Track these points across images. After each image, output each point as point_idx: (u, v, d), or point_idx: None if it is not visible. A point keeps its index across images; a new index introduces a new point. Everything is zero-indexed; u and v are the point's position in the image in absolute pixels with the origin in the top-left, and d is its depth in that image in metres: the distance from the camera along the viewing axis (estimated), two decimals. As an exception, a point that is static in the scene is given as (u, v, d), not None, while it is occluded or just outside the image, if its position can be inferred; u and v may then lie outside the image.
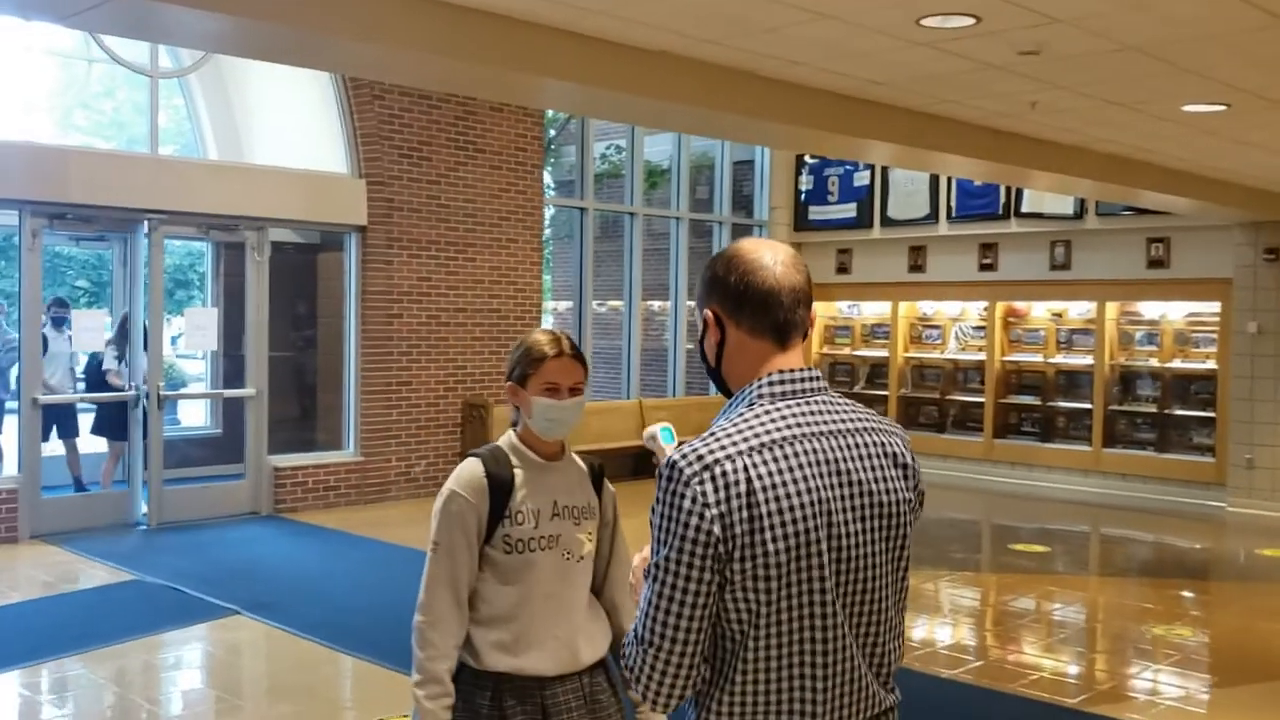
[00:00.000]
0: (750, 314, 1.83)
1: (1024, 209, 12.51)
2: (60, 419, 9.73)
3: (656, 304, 14.74)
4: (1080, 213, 12.06)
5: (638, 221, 13.36)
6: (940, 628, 7.38)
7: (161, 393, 9.45)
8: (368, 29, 5.53)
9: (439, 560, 2.57)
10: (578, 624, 2.60)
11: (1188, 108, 6.26)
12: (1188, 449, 11.90)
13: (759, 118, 6.59)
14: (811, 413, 1.80)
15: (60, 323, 9.76)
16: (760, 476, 1.70)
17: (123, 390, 9.57)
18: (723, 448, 1.72)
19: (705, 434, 1.76)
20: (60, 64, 15.98)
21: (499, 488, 2.56)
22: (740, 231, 14.58)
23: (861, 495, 1.79)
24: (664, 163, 14.44)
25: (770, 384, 1.81)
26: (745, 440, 1.73)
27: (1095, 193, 10.22)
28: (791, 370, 1.82)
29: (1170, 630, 7.01)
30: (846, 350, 14.68)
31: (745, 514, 1.68)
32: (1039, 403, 12.97)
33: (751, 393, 1.82)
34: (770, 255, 1.85)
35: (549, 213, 14.00)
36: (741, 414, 1.78)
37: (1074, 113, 6.55)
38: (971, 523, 11.29)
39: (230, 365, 10.95)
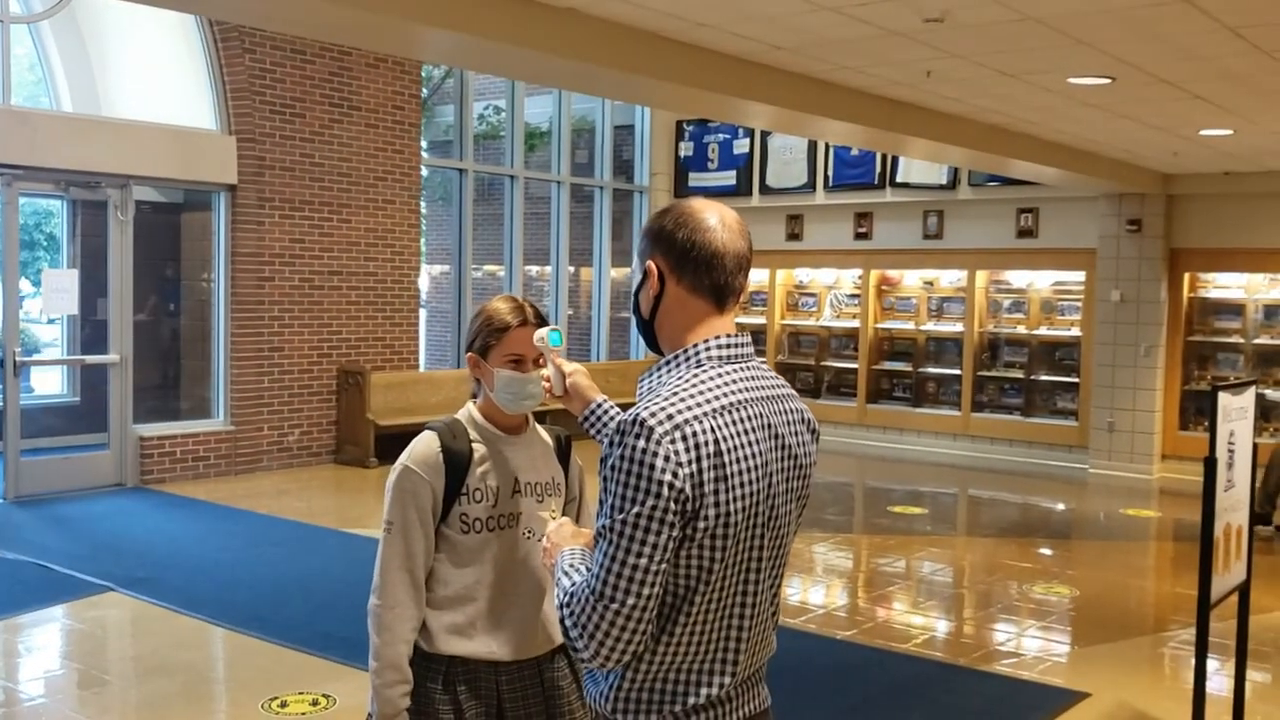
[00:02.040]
0: (692, 272, 1.86)
1: (899, 179, 12.74)
2: None
3: (535, 269, 14.57)
4: (953, 183, 12.34)
5: (518, 184, 13.14)
6: (832, 590, 7.50)
7: (18, 359, 8.91)
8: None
9: (392, 541, 2.41)
10: (538, 607, 2.48)
11: (1074, 80, 6.40)
12: (1052, 413, 12.36)
13: (643, 75, 6.49)
14: (751, 378, 1.87)
15: None
16: (725, 439, 1.75)
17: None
18: (689, 408, 1.74)
19: (663, 393, 1.77)
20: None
21: (455, 463, 2.41)
22: (621, 196, 14.50)
23: (789, 458, 1.88)
24: (544, 125, 14.24)
25: (718, 347, 1.85)
26: (708, 401, 1.76)
27: (970, 161, 10.45)
28: (733, 335, 1.87)
29: (1042, 588, 7.26)
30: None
31: (713, 474, 1.73)
32: (910, 369, 13.29)
33: (697, 353, 1.85)
34: (717, 217, 1.88)
35: (425, 174, 13.66)
36: (694, 374, 1.81)
37: (966, 83, 6.65)
38: (846, 486, 11.52)
39: (90, 330, 10.39)
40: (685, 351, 1.86)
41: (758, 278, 14.36)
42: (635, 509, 1.70)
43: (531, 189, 13.78)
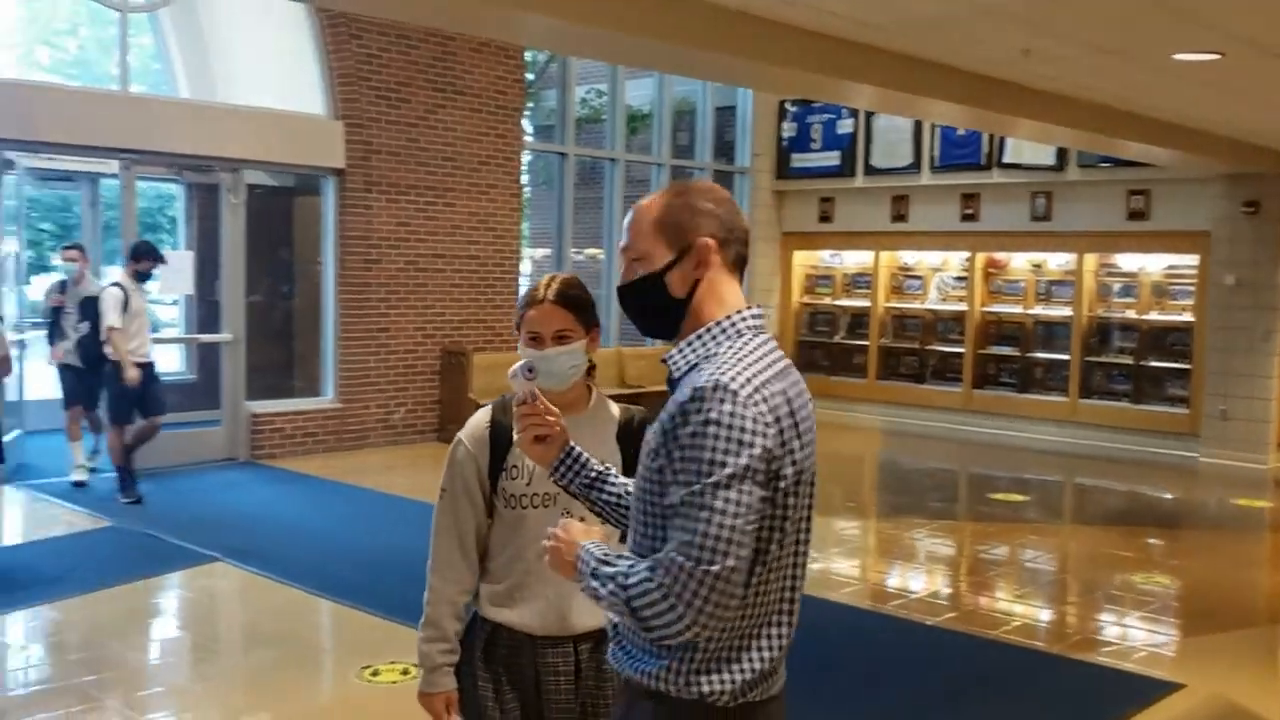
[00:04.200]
0: (734, 249, 1.94)
1: (1006, 159, 12.46)
2: (150, 398, 8.25)
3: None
4: (1061, 164, 12.01)
5: (618, 167, 13.22)
6: (924, 575, 7.43)
7: (109, 325, 9.27)
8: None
9: (443, 507, 2.53)
10: (573, 589, 2.41)
11: (1179, 56, 6.19)
12: (1162, 400, 11.98)
13: (745, 57, 6.47)
14: (770, 345, 1.93)
15: (144, 277, 8.39)
16: (791, 399, 1.85)
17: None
18: (758, 373, 1.82)
19: (723, 361, 1.82)
20: (23, 0, 15.60)
21: (500, 439, 2.47)
22: (721, 178, 14.47)
23: (812, 418, 1.95)
24: (645, 107, 14.28)
25: (753, 318, 1.92)
26: (768, 367, 1.84)
27: (1078, 142, 10.17)
28: (759, 307, 1.96)
29: (1145, 578, 7.07)
30: (828, 300, 14.65)
31: (790, 434, 1.82)
32: (1017, 354, 13.01)
33: (734, 325, 1.90)
34: (732, 195, 2.02)
35: (527, 158, 13.84)
36: (743, 344, 1.87)
37: (1065, 61, 6.47)
38: (949, 472, 11.36)
39: (206, 310, 10.81)
40: (721, 324, 1.90)
41: (861, 259, 14.22)
42: (728, 470, 1.73)
43: (632, 172, 13.84)
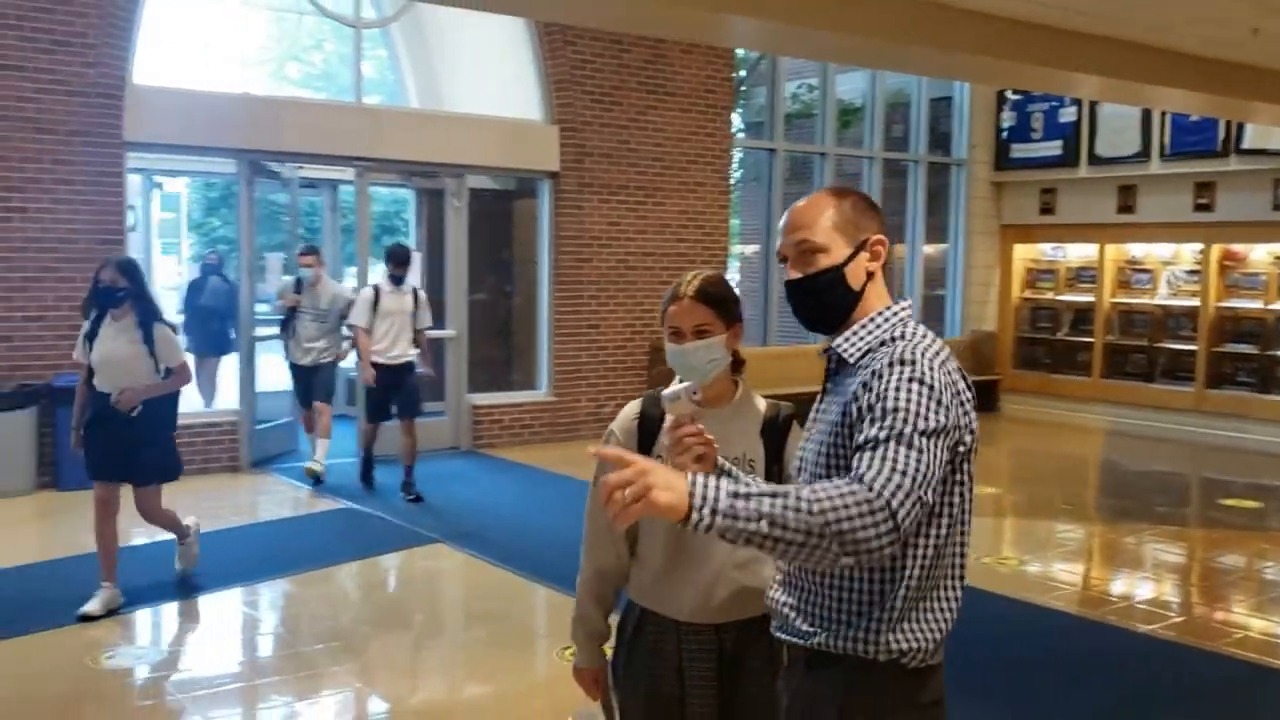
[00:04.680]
0: (887, 247, 2.11)
1: (1245, 145, 11.68)
2: (401, 398, 8.42)
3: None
4: (1310, 147, 11.19)
5: (828, 162, 13.14)
6: (1142, 582, 7.12)
7: (353, 323, 9.91)
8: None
9: (594, 496, 2.66)
10: (719, 576, 2.54)
11: None
12: None
13: (953, 50, 6.37)
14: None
15: (400, 279, 8.48)
16: (965, 376, 2.03)
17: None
18: (939, 352, 1.99)
19: (914, 341, 1.98)
20: (274, 19, 16.85)
21: (647, 429, 2.58)
22: (937, 171, 14.17)
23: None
24: (857, 101, 14.13)
25: (909, 308, 2.10)
26: (943, 349, 2.01)
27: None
28: (908, 299, 2.14)
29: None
30: (1049, 295, 14.12)
31: (969, 406, 1.99)
32: (1256, 351, 12.18)
33: (897, 314, 2.07)
34: None
35: (737, 155, 13.94)
36: (916, 329, 2.04)
37: (1302, 38, 6.08)
38: (1178, 476, 10.78)
39: (432, 308, 11.39)
40: (887, 313, 2.06)
41: (1085, 253, 13.64)
42: (930, 424, 1.85)
43: (844, 166, 13.73)
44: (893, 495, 1.75)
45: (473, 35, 11.12)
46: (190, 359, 6.10)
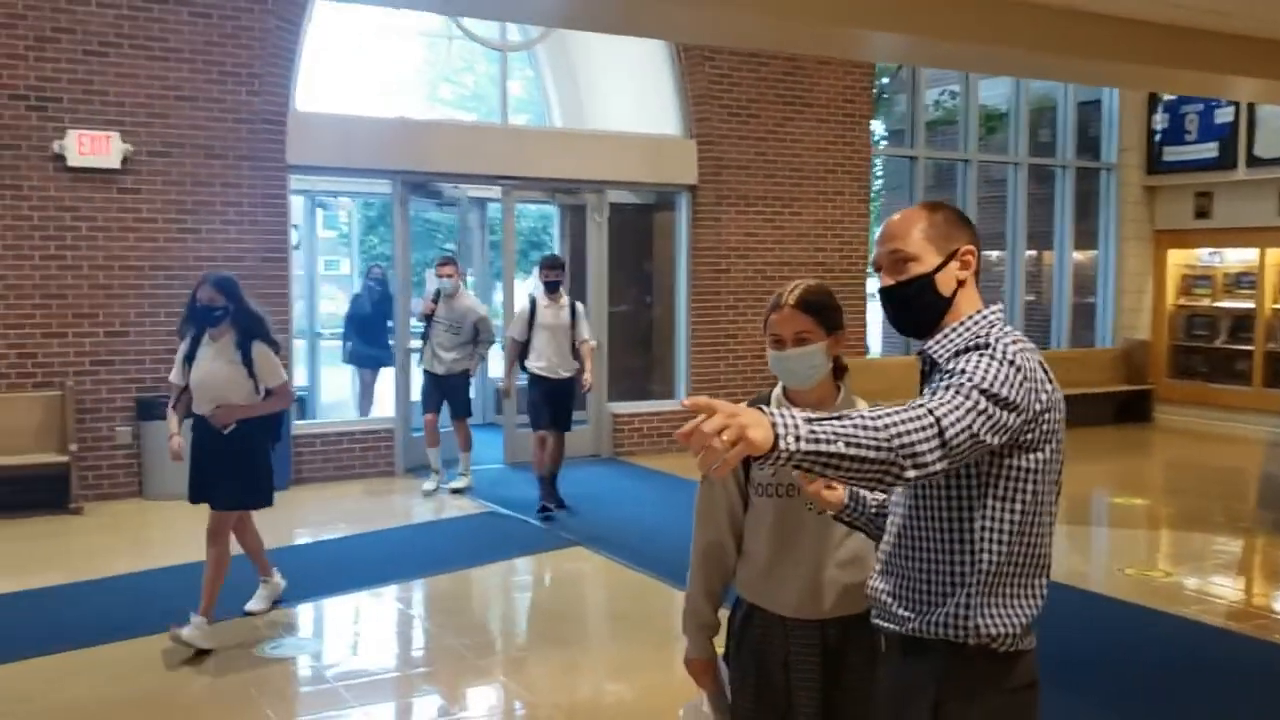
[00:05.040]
0: (980, 259, 2.25)
1: None
2: (556, 411, 8.37)
3: (994, 254, 14.28)
4: None
5: (971, 169, 12.98)
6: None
7: (509, 335, 10.27)
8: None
9: (703, 494, 2.81)
10: (822, 573, 2.66)
11: None
12: None
13: (1102, 59, 6.29)
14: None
15: (554, 287, 8.36)
16: (1049, 375, 2.13)
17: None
18: (1027, 347, 2.11)
19: (1002, 340, 2.09)
20: (426, 43, 17.51)
21: None
22: (1085, 176, 13.85)
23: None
24: (1001, 106, 13.92)
25: (1003, 312, 2.24)
26: (1033, 347, 2.14)
27: None
28: (999, 304, 2.26)
29: None
30: (1206, 301, 13.63)
31: (1056, 396, 2.11)
32: None
33: (986, 318, 2.19)
34: None
35: (879, 163, 13.89)
36: (1005, 330, 2.16)
37: None
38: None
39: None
40: (977, 317, 2.18)
41: (1244, 257, 13.13)
42: (1005, 391, 1.97)
43: (988, 172, 13.54)
44: (943, 416, 1.90)
45: (614, 55, 11.41)
46: (288, 374, 5.77)
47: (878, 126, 14.99)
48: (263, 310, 5.68)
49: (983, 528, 2.07)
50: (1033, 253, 14.23)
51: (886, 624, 2.19)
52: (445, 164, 9.94)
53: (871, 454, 1.83)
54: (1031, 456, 2.07)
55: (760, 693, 2.73)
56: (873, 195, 13.02)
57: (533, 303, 8.36)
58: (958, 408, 1.92)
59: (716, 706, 2.84)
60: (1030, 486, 2.08)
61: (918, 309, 2.21)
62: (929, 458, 1.87)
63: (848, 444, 1.81)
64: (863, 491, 2.40)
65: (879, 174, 15.31)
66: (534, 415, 8.42)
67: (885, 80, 14.04)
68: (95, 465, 8.63)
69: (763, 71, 11.10)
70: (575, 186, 10.77)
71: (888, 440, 1.84)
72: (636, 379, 11.92)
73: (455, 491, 8.93)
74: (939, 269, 2.18)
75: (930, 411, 1.90)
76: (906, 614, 2.14)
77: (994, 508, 2.07)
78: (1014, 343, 2.09)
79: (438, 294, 8.93)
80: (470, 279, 11.79)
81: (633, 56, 11.15)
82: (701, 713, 2.84)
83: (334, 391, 12.85)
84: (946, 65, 9.33)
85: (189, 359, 5.45)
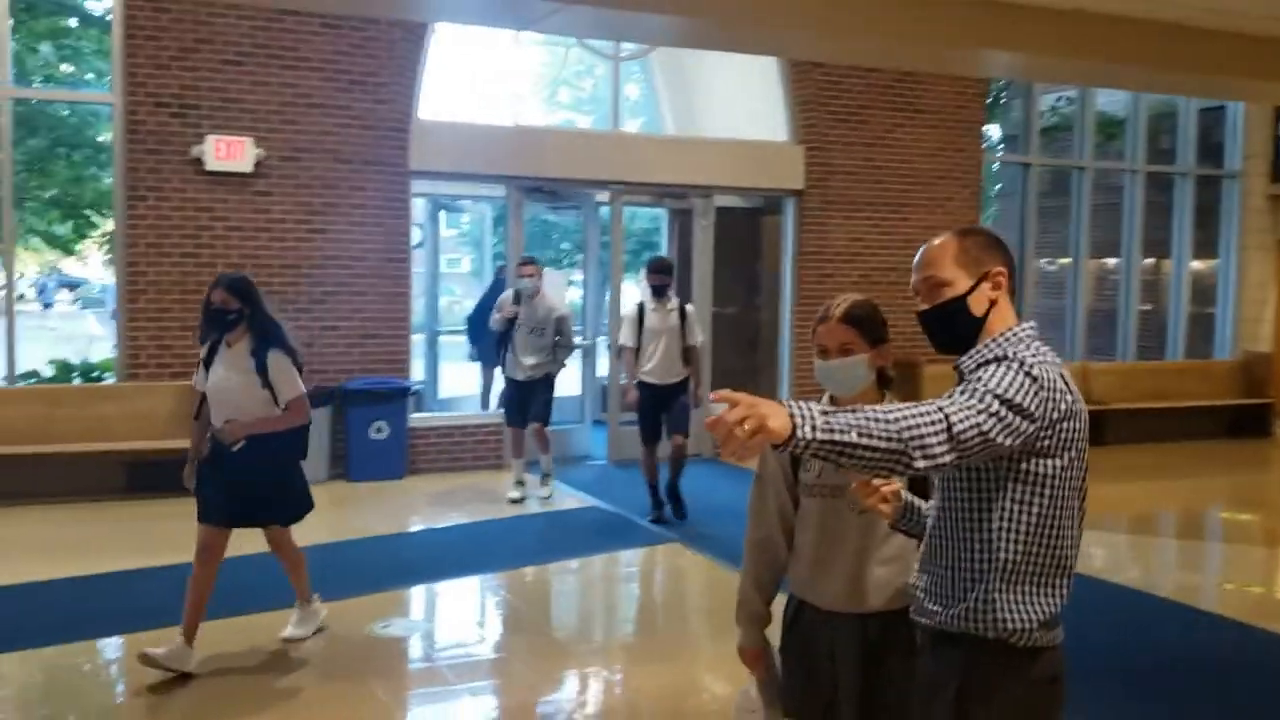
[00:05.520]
0: (1012, 279, 2.41)
1: None
2: (672, 416, 8.20)
3: (1111, 261, 14.07)
4: None
5: (1087, 176, 12.82)
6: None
7: (620, 343, 10.56)
8: (798, 17, 5.96)
9: (755, 492, 3.00)
10: (863, 570, 2.82)
11: None
12: None
13: (1225, 75, 6.23)
14: (1051, 350, 2.35)
15: (660, 291, 8.17)
16: (1071, 387, 2.27)
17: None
18: (1053, 363, 2.27)
19: (1026, 353, 2.25)
20: (545, 50, 17.94)
21: None
22: (1206, 184, 13.54)
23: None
24: (1119, 113, 13.70)
25: (1034, 329, 2.37)
26: (1055, 362, 2.29)
27: None
28: (1033, 321, 2.38)
29: None
30: (1332, 313, 13.19)
31: (1076, 405, 2.25)
32: None
33: (1023, 334, 2.34)
34: None
35: (994, 169, 13.80)
36: (1036, 346, 2.31)
37: None
38: None
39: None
40: (1009, 333, 2.33)
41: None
42: (1021, 398, 2.13)
43: (1104, 179, 13.34)
44: (952, 414, 2.07)
45: (725, 61, 11.60)
46: (299, 388, 5.16)
47: (993, 132, 14.90)
48: (280, 317, 5.33)
49: (1000, 527, 2.23)
50: (1150, 261, 13.97)
51: (921, 618, 2.37)
52: (556, 169, 10.27)
53: (882, 444, 2.00)
54: (1048, 462, 2.21)
55: (807, 681, 2.91)
56: (986, 202, 12.96)
57: (641, 307, 8.20)
58: (970, 408, 2.09)
59: (765, 692, 3.02)
60: (1048, 491, 2.23)
61: (953, 330, 2.37)
62: (937, 449, 2.04)
63: (860, 434, 1.99)
64: (917, 501, 2.57)
65: (993, 180, 15.19)
66: (642, 425, 8.24)
67: (999, 85, 13.93)
68: (226, 451, 9.18)
69: (872, 78, 11.17)
70: (682, 191, 10.99)
71: (898, 432, 2.01)
72: (740, 380, 12.06)
73: (542, 500, 8.79)
74: (971, 291, 2.34)
75: (941, 409, 2.07)
76: (936, 608, 2.32)
77: (1011, 509, 2.22)
78: (1035, 355, 2.24)
79: (518, 296, 8.65)
80: (576, 280, 12.10)
81: (742, 63, 11.33)
82: (750, 697, 3.03)
83: (453, 387, 13.30)
84: (1062, 80, 9.27)
85: (207, 365, 5.14)
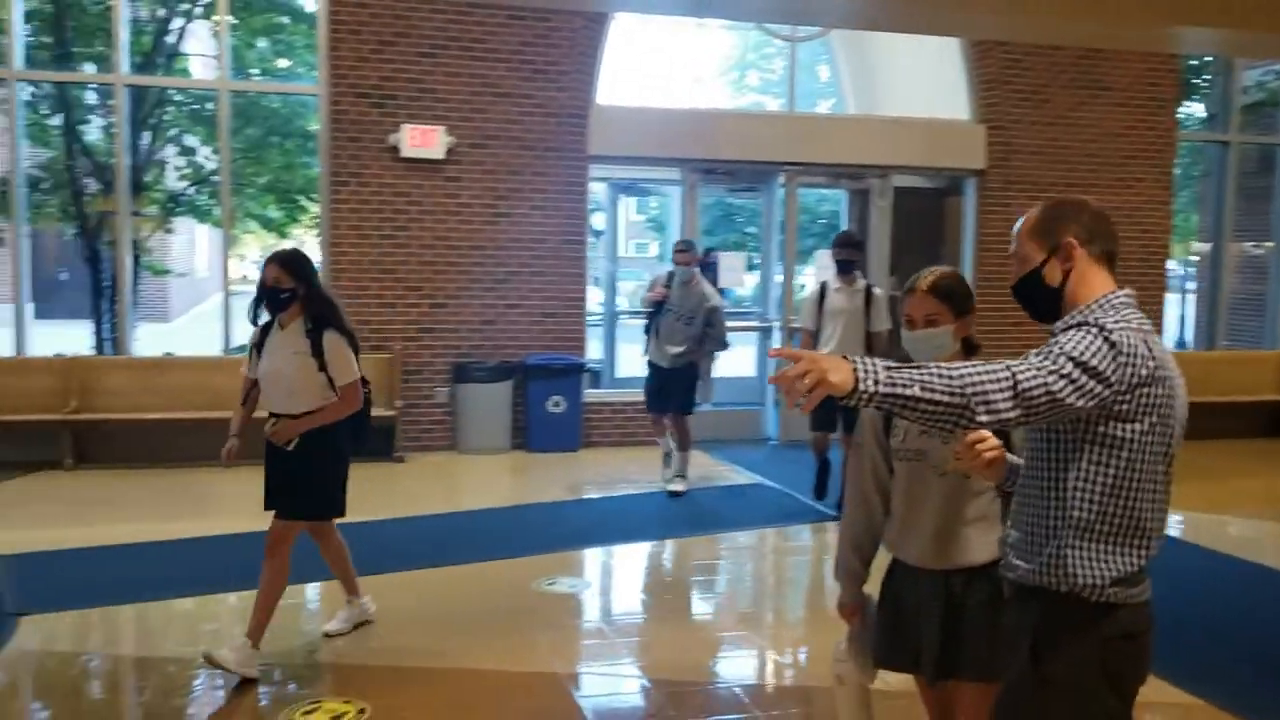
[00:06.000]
0: (1098, 246, 2.43)
1: None
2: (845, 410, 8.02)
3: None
4: None
5: (1293, 153, 12.16)
6: None
7: (791, 325, 10.71)
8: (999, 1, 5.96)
9: (851, 457, 3.23)
10: (945, 528, 2.94)
11: None
12: None
13: None
14: (1143, 318, 2.38)
15: (846, 267, 7.62)
16: (1154, 353, 2.30)
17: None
18: (1136, 329, 2.30)
19: (1108, 320, 2.30)
20: (731, 34, 18.11)
21: None
22: None
23: (1179, 377, 2.39)
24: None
25: (1126, 296, 2.40)
26: (1142, 326, 2.33)
27: None
28: (1126, 289, 2.40)
29: None
30: None
31: (1161, 372, 2.29)
32: None
33: (1115, 300, 2.38)
34: (1092, 202, 2.50)
35: (1186, 148, 13.21)
36: (1120, 313, 2.35)
37: None
38: None
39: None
40: (1094, 302, 2.37)
41: None
42: (1095, 361, 2.20)
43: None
44: (1019, 372, 2.16)
45: (905, 40, 11.53)
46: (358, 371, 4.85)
47: (1192, 109, 14.25)
48: (336, 298, 5.11)
49: (1075, 486, 2.32)
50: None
51: (1008, 572, 2.48)
52: (731, 151, 10.46)
53: (944, 398, 2.12)
54: (1128, 426, 2.27)
55: (895, 633, 3.09)
56: (1180, 183, 12.44)
57: (823, 288, 7.71)
58: (1041, 369, 2.18)
59: (855, 644, 3.21)
60: (1125, 453, 2.29)
61: (1035, 301, 2.47)
62: (1000, 405, 2.14)
63: (923, 388, 2.11)
64: (1019, 462, 2.68)
65: (1190, 160, 14.52)
66: (819, 414, 7.54)
67: (1194, 63, 13.31)
68: (417, 420, 9.80)
69: (1056, 56, 10.91)
70: (859, 171, 11.01)
71: (961, 387, 2.12)
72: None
73: (673, 495, 8.30)
74: (1044, 264, 2.43)
75: (1009, 368, 2.17)
76: (1019, 563, 2.43)
77: (1088, 469, 2.30)
78: (1117, 322, 2.30)
79: (670, 278, 8.23)
80: (758, 263, 12.24)
81: (924, 42, 11.24)
82: (842, 649, 3.23)
83: (630, 367, 13.67)
84: (1263, 56, 8.83)
85: (259, 348, 4.86)
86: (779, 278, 11.48)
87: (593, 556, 7.02)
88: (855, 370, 2.10)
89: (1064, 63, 10.94)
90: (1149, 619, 2.41)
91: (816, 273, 10.69)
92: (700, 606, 6.21)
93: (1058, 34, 7.03)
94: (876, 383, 2.10)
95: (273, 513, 4.87)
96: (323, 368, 4.70)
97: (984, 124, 10.92)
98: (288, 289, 4.70)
